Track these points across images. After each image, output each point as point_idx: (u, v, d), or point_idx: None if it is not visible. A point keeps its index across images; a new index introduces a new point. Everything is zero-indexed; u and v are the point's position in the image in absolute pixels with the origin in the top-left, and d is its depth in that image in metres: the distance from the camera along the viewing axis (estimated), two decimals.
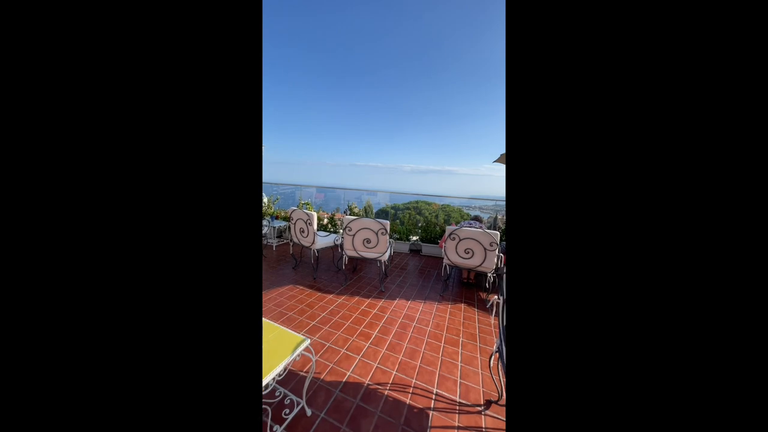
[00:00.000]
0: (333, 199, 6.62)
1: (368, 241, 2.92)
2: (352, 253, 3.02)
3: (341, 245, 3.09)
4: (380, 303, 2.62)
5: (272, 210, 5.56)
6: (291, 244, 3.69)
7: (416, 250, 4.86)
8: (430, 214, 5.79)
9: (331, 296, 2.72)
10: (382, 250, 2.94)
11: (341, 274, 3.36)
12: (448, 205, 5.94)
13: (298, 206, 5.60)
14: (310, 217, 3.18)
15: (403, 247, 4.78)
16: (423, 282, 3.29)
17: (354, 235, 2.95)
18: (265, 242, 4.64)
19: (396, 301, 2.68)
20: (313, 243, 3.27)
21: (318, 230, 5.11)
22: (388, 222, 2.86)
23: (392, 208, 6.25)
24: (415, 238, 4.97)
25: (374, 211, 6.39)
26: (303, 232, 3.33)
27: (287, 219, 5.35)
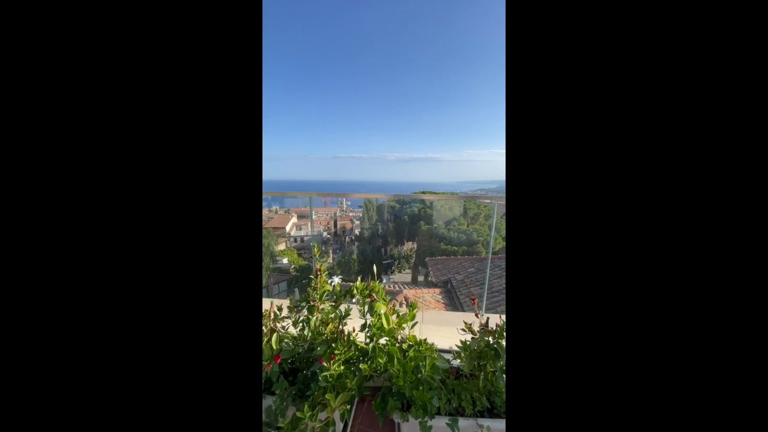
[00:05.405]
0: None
1: None
2: None
3: None
4: None
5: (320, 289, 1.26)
6: None
7: None
8: (448, 210, 3.54)
9: None
10: None
11: None
12: (455, 192, 3.96)
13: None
14: None
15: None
16: None
17: None
18: None
19: None
20: None
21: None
22: None
23: (397, 201, 4.26)
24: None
25: (376, 206, 4.18)
26: None
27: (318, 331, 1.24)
